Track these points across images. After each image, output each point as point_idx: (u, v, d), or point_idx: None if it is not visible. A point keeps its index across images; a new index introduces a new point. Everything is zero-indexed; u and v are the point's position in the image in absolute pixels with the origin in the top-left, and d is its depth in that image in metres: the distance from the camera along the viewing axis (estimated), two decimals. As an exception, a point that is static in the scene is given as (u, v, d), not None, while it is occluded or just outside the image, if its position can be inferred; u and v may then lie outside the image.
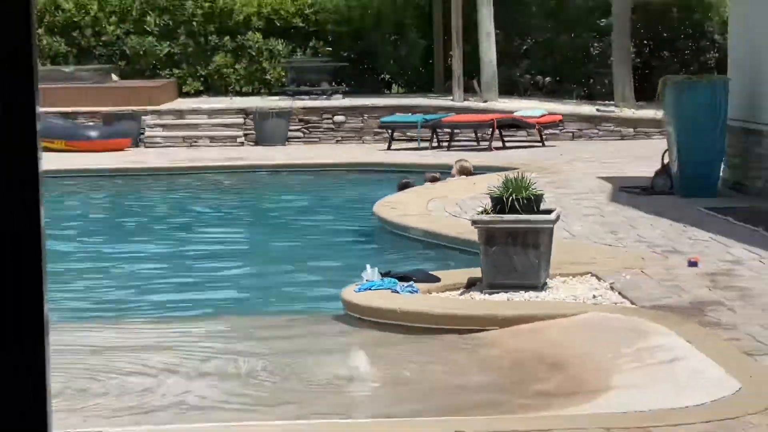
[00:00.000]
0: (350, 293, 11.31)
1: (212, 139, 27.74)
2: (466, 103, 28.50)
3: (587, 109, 28.77)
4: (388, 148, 25.71)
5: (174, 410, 8.71)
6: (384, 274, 11.59)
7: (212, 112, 28.48)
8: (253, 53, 31.56)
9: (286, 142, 27.39)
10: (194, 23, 31.66)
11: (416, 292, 11.35)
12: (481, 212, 11.59)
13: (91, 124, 26.77)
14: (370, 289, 11.28)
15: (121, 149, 26.01)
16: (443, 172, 20.57)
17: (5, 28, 1.99)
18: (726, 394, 7.77)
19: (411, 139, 25.98)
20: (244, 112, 28.29)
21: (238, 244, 18.36)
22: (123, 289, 14.36)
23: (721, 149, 17.82)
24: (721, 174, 18.11)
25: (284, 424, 7.73)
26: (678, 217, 15.63)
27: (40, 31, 31.06)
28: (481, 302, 11.07)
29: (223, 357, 10.40)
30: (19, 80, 2.06)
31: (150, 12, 31.71)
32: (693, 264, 12.33)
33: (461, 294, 11.39)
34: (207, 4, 31.65)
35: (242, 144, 27.58)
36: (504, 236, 11.22)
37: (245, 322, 12.03)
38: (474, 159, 22.00)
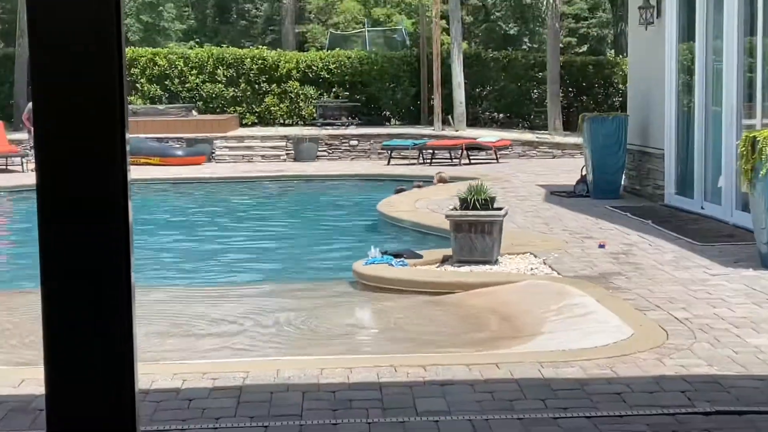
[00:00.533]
0: (359, 266, 11.49)
1: (263, 156, 27.98)
2: (443, 132, 29.13)
3: (529, 136, 29.21)
4: (388, 164, 25.91)
5: (230, 350, 8.80)
6: (383, 253, 11.72)
7: (263, 138, 28.82)
8: (293, 96, 31.87)
9: (316, 159, 27.66)
10: (251, 75, 31.97)
11: (405, 265, 11.50)
12: (452, 209, 11.84)
13: (177, 145, 27.06)
14: (373, 263, 11.48)
15: (199, 164, 26.31)
16: (426, 181, 21.02)
17: (107, 79, 2.03)
18: (623, 337, 7.79)
19: (404, 158, 26.34)
20: (286, 137, 28.58)
21: (279, 230, 18.38)
22: (197, 262, 14.58)
23: (623, 165, 18.09)
24: (622, 182, 18.31)
25: (312, 359, 7.76)
26: (592, 213, 15.66)
27: (142, 80, 31.37)
28: (451, 273, 11.18)
29: (266, 311, 10.51)
30: (111, 116, 2.14)
31: (220, 66, 32.00)
32: (601, 246, 12.38)
33: (437, 267, 11.54)
34: (260, 61, 31.98)
35: (284, 160, 27.75)
36: (468, 226, 11.33)
37: (283, 287, 12.19)
38: (449, 171, 22.02)
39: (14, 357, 8.15)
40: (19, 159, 24.91)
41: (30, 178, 22.24)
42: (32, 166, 23.73)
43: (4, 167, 25.04)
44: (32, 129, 24.02)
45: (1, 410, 6.07)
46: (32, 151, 23.96)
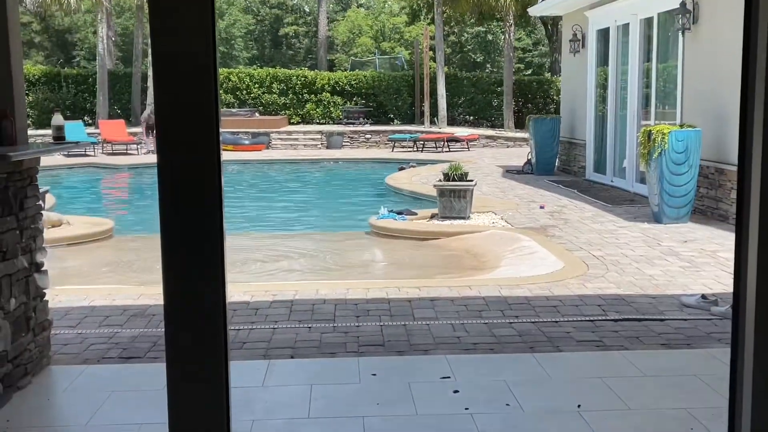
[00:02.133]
0: (374, 220, 11.45)
1: (304, 145, 27.74)
2: (431, 129, 28.91)
3: (490, 132, 28.94)
4: (392, 151, 25.70)
5: (284, 275, 8.84)
6: (390, 211, 11.72)
7: (304, 132, 28.43)
8: (325, 103, 31.75)
9: (341, 148, 27.50)
10: (296, 88, 31.99)
11: (405, 219, 11.47)
12: (438, 180, 11.63)
13: (245, 137, 26.80)
14: (383, 218, 11.36)
15: (260, 150, 26.20)
16: (420, 163, 20.75)
17: (206, 91, 2.17)
18: (557, 269, 7.82)
19: (403, 147, 26.11)
20: (320, 132, 28.36)
21: (315, 196, 18.60)
22: (259, 216, 14.54)
23: (557, 152, 18.17)
24: (556, 164, 18.30)
25: (341, 282, 7.79)
26: (535, 185, 15.57)
27: (221, 90, 31.28)
28: (436, 225, 11.11)
29: (308, 251, 10.54)
30: (210, 117, 2.25)
31: (274, 82, 32.19)
32: (542, 207, 12.36)
33: (427, 221, 11.43)
34: (302, 78, 32.10)
35: (319, 148, 27.53)
36: (449, 192, 11.27)
37: (319, 235, 12.22)
38: (435, 156, 21.91)
39: (135, 279, 8.24)
40: (135, 146, 25.04)
41: (143, 159, 23.10)
42: (144, 151, 24.16)
43: (125, 151, 25.21)
44: (146, 126, 24.55)
45: (124, 315, 6.18)
46: (145, 141, 24.84)
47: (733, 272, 2.14)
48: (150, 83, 28.03)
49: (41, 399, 4.41)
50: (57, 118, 5.40)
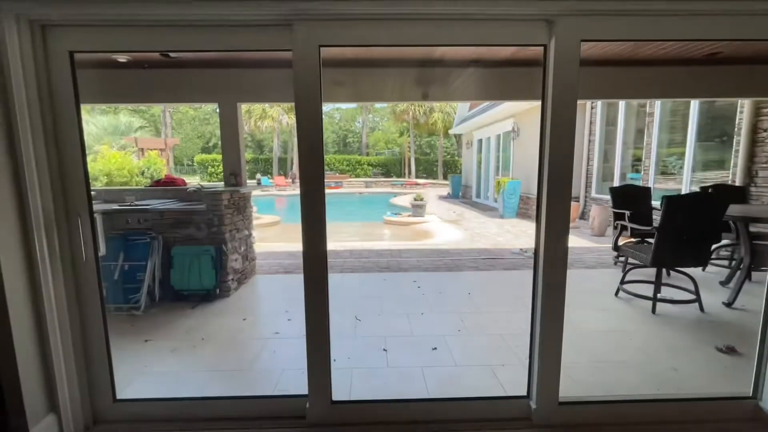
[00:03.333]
0: (385, 217, 10.74)
1: (360, 192, 23.36)
2: (408, 179, 24.76)
3: (433, 180, 25.21)
4: (392, 186, 22.30)
5: (345, 239, 8.18)
6: (391, 213, 11.22)
7: (357, 182, 24.03)
8: (365, 168, 27.03)
9: (367, 187, 23.83)
10: (352, 161, 27.58)
11: (397, 216, 10.99)
12: (413, 200, 10.55)
13: (332, 182, 22.48)
14: (389, 216, 10.86)
15: (339, 189, 21.75)
16: (402, 194, 18.87)
17: (319, 145, 1.93)
18: (460, 237, 7.65)
19: (393, 185, 21.86)
20: (363, 182, 23.85)
21: (361, 208, 15.98)
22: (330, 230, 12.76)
23: (460, 188, 17.13)
24: (460, 193, 17.14)
25: (367, 243, 7.30)
26: (452, 203, 14.73)
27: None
28: (411, 220, 10.38)
29: (354, 231, 9.81)
30: (320, 172, 1.95)
31: (344, 162, 28.20)
32: (455, 213, 12.08)
33: (407, 217, 10.70)
34: (356, 159, 28.18)
35: (362, 192, 23.18)
36: (416, 205, 10.60)
37: (358, 223, 11.13)
38: (408, 191, 20.54)
39: (289, 239, 7.95)
40: (288, 187, 23.52)
41: (291, 192, 21.04)
42: (292, 188, 22.44)
43: (284, 189, 23.91)
44: (292, 178, 23.57)
45: (285, 254, 5.79)
46: (292, 184, 22.64)
47: (534, 239, 2.04)
48: (289, 158, 27.28)
49: (252, 287, 4.36)
50: (258, 176, 5.46)
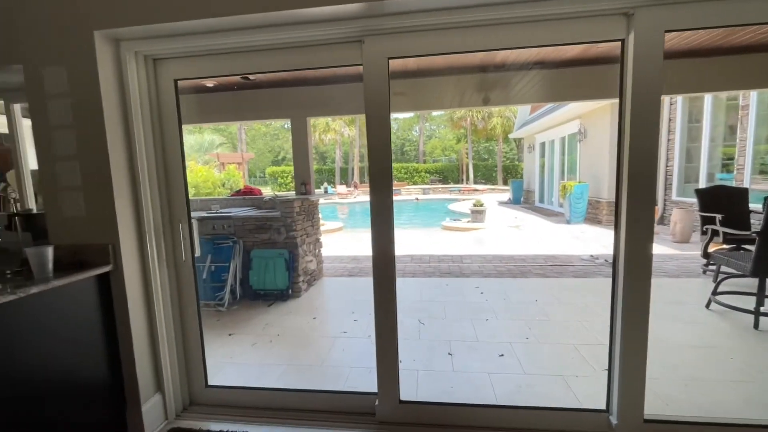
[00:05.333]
0: (443, 223, 10.26)
1: (417, 198, 22.59)
2: (467, 185, 23.94)
3: (492, 186, 24.18)
4: (450, 192, 21.52)
5: (409, 244, 7.94)
6: (450, 219, 10.88)
7: (414, 188, 23.29)
8: (422, 175, 26.51)
9: (425, 194, 23.11)
10: (410, 169, 27.15)
11: (457, 221, 10.65)
12: (472, 206, 10.18)
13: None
14: (448, 222, 10.64)
15: (397, 195, 21.77)
16: (461, 199, 18.39)
17: (387, 161, 1.92)
18: (524, 244, 7.26)
19: (450, 191, 20.75)
20: (421, 188, 23.23)
21: (417, 215, 15.32)
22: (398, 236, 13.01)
23: (522, 193, 16.32)
24: (522, 199, 16.45)
25: (429, 248, 7.13)
26: (512, 208, 14.23)
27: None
28: (470, 225, 9.92)
29: (417, 237, 9.56)
30: (389, 180, 1.99)
31: (402, 170, 26.93)
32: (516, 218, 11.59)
33: (466, 223, 10.35)
34: (413, 166, 27.77)
35: (417, 199, 22.25)
36: (476, 212, 10.24)
37: (421, 229, 10.76)
38: (467, 197, 20.06)
39: (352, 243, 7.93)
40: (348, 195, 23.34)
41: (352, 201, 20.64)
42: (352, 198, 22.01)
43: (345, 197, 23.63)
44: (353, 186, 22.71)
45: (348, 258, 5.86)
46: (353, 193, 22.23)
47: (613, 245, 1.86)
48: (350, 168, 28.11)
49: (320, 288, 4.46)
50: (324, 185, 5.69)
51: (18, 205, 2.23)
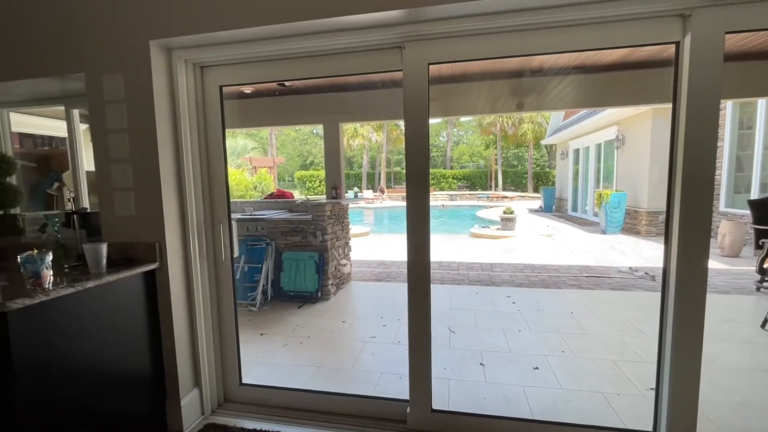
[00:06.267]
0: (472, 230, 10.18)
1: (443, 204, 22.38)
2: (496, 192, 23.80)
3: (522, 193, 23.75)
4: (477, 199, 21.06)
5: (441, 250, 7.96)
6: (478, 226, 10.75)
7: (442, 194, 23.26)
8: (449, 181, 26.74)
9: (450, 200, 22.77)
10: (437, 175, 27.21)
11: (486, 228, 10.53)
12: (502, 213, 10.05)
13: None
14: (475, 229, 10.50)
15: None
16: (489, 206, 18.21)
17: (425, 163, 1.99)
18: (558, 253, 7.08)
19: (479, 198, 20.60)
20: (448, 195, 23.14)
21: (445, 221, 15.09)
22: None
23: (553, 201, 15.89)
24: (553, 207, 15.90)
25: (455, 255, 7.08)
26: (544, 216, 13.84)
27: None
28: (500, 233, 9.76)
29: (446, 242, 9.45)
30: (426, 181, 1.98)
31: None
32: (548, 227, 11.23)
33: (495, 230, 10.12)
34: (440, 173, 27.75)
35: (443, 205, 21.94)
36: (506, 219, 9.96)
37: (447, 235, 10.62)
38: (496, 204, 19.59)
39: (380, 248, 7.97)
40: (375, 200, 23.25)
41: (379, 205, 20.49)
42: (379, 202, 21.90)
43: (372, 202, 23.59)
44: (380, 191, 22.17)
45: (376, 263, 5.89)
46: (380, 198, 21.95)
47: (663, 258, 1.84)
48: (376, 173, 27.92)
49: (349, 292, 4.48)
50: (355, 189, 5.72)
51: (74, 204, 2.36)
